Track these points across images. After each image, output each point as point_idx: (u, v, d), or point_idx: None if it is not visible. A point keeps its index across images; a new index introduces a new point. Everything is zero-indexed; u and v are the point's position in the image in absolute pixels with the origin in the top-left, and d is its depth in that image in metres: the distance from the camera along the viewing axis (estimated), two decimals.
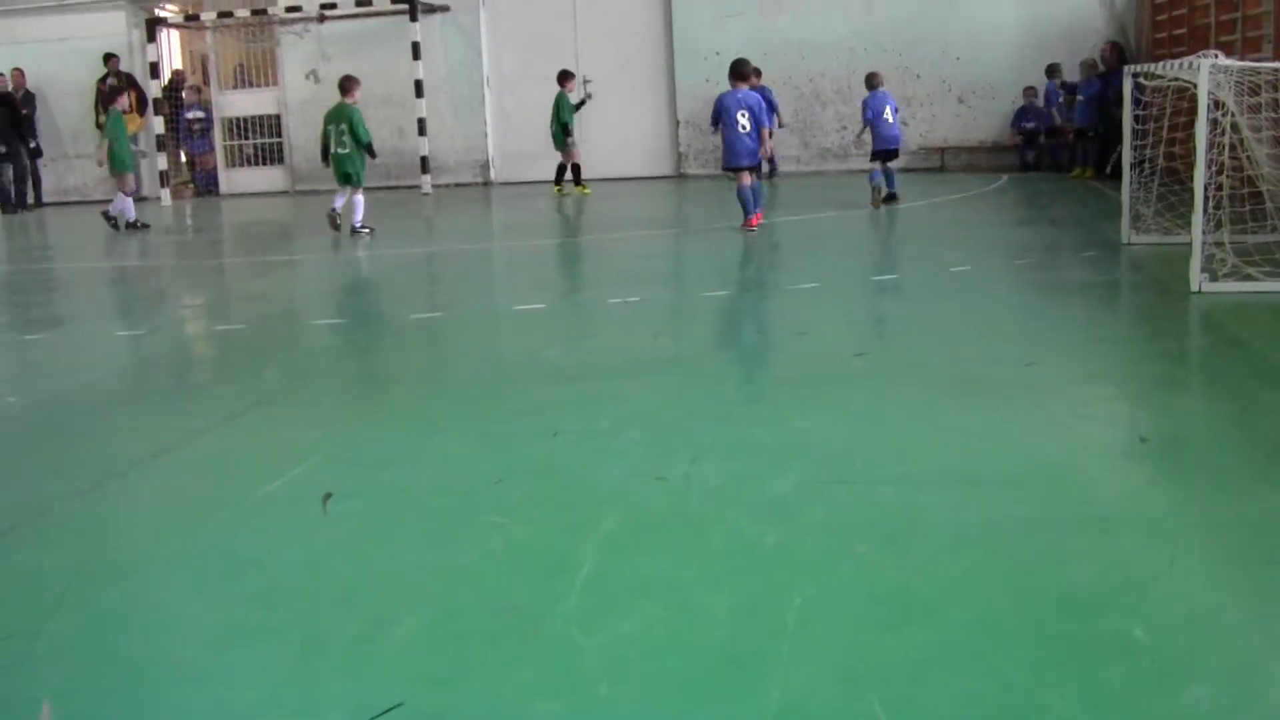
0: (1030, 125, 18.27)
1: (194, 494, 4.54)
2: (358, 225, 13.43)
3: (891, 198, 13.99)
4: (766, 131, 12.24)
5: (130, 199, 15.44)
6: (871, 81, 14.40)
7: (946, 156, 19.04)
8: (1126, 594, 3.30)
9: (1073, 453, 4.57)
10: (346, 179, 13.56)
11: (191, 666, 3.10)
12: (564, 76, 17.69)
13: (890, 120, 14.09)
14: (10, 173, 19.72)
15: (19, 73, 20.35)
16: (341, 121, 13.52)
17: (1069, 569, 3.46)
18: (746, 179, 12.06)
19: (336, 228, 13.49)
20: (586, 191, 17.55)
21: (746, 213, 12.05)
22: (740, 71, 12.13)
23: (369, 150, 13.65)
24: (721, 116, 12.08)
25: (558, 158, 17.68)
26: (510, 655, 3.07)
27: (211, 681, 3.02)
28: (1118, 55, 16.62)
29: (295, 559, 3.80)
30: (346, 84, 13.78)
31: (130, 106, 17.82)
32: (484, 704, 2.86)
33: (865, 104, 14.38)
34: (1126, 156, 9.99)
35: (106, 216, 15.31)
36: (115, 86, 18.74)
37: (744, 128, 11.92)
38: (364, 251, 12.27)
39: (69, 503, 4.47)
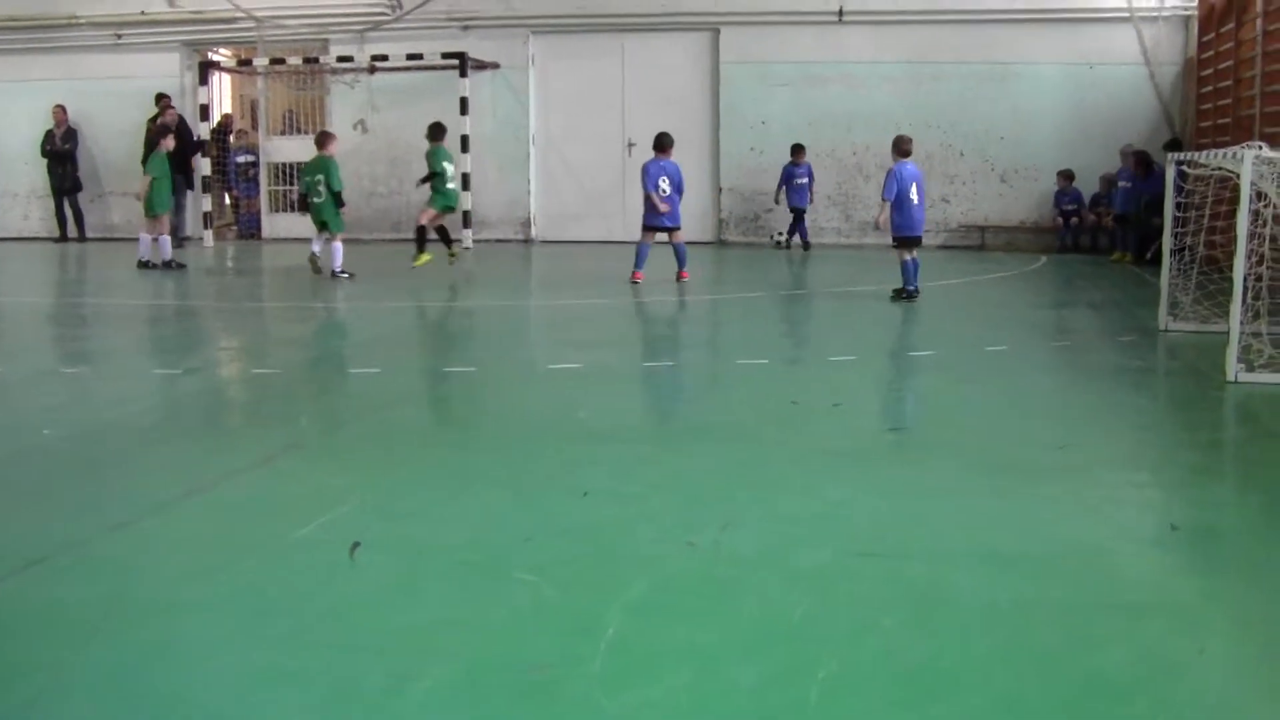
0: (1070, 207, 18.24)
1: (225, 535, 4.57)
2: (337, 270, 14.13)
3: (914, 293, 12.08)
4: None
5: (167, 238, 15.58)
6: (903, 148, 12.13)
7: (987, 235, 19.05)
8: (1154, 681, 3.29)
9: (1104, 537, 4.56)
10: (323, 226, 14.26)
11: (215, 708, 3.11)
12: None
13: (917, 201, 12.03)
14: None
15: (60, 109, 20.58)
16: (318, 173, 14.31)
17: (1097, 653, 3.45)
18: (653, 238, 13.67)
19: (318, 271, 14.14)
20: (428, 259, 14.92)
21: (637, 265, 13.48)
22: (662, 144, 13.73)
23: (337, 198, 14.30)
24: (644, 181, 13.65)
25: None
26: (533, 714, 3.07)
27: None
28: (1145, 164, 16.52)
29: (323, 606, 3.82)
30: (323, 139, 14.73)
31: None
32: None
33: (892, 175, 11.95)
34: (1167, 243, 9.98)
35: (140, 264, 15.53)
36: (162, 126, 18.79)
37: (664, 192, 13.50)
38: (400, 301, 12.35)
39: (101, 537, 4.51)
